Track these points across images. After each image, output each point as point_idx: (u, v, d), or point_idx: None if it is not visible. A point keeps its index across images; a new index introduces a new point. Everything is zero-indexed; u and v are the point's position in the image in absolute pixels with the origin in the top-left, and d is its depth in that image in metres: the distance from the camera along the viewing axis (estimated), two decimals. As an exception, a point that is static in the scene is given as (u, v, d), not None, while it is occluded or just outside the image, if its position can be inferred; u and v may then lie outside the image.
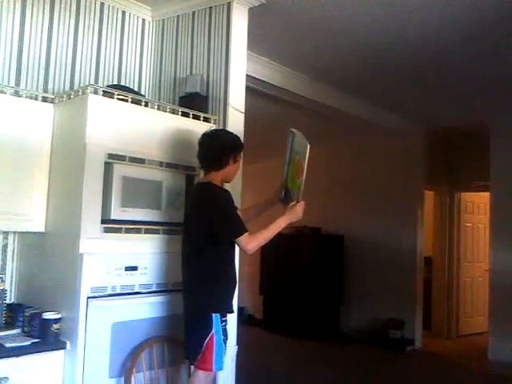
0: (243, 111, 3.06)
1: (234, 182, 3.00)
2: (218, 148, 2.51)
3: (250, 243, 2.38)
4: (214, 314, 2.34)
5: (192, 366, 2.51)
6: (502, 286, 5.61)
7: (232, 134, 2.63)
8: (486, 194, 6.38)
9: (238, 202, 3.00)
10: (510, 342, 5.45)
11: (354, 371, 5.32)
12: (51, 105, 2.74)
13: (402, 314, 6.39)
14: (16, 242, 2.87)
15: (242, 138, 3.04)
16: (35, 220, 2.65)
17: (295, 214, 2.61)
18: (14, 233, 2.85)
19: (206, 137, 2.57)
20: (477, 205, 7.46)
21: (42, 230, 2.68)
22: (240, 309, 3.69)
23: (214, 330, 2.32)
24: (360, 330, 6.66)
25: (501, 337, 5.62)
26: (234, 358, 2.93)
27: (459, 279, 7.26)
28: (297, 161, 2.65)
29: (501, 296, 5.64)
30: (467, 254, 7.35)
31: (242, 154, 2.63)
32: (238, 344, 2.96)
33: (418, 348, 6.35)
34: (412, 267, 6.49)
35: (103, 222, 2.49)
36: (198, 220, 2.42)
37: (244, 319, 7.08)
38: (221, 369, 2.40)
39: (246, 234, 2.37)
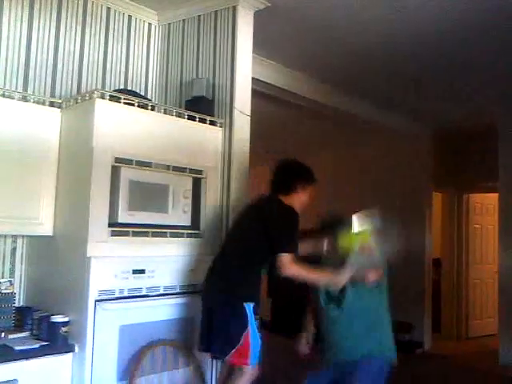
0: (249, 114, 3.07)
1: (241, 184, 3.02)
2: (288, 174, 2.69)
3: (292, 266, 2.44)
4: (249, 306, 2.42)
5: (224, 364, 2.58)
6: (511, 287, 5.56)
7: (305, 165, 2.74)
8: (495, 195, 6.34)
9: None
10: (521, 343, 5.41)
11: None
12: (58, 109, 2.77)
13: (410, 317, 6.34)
14: (25, 245, 2.90)
15: (248, 141, 3.06)
16: (44, 224, 2.67)
17: (340, 279, 2.54)
18: (23, 236, 2.87)
19: (281, 163, 2.74)
20: (485, 206, 7.41)
21: (50, 233, 2.70)
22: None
23: (249, 322, 2.39)
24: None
25: (511, 339, 5.57)
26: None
27: (468, 281, 7.20)
28: (364, 237, 2.64)
29: (510, 298, 5.59)
30: (476, 255, 7.30)
31: (312, 186, 2.73)
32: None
33: (428, 350, 6.31)
34: (420, 269, 6.45)
35: (110, 225, 2.50)
36: (261, 223, 2.51)
37: (252, 322, 7.06)
38: (256, 362, 2.42)
39: (292, 254, 2.43)
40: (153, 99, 3.48)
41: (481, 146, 6.64)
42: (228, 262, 2.55)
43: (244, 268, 2.50)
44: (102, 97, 2.58)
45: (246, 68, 3.10)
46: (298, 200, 2.64)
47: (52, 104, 2.86)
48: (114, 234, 2.51)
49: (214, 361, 2.86)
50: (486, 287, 7.26)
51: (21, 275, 2.87)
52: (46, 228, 2.68)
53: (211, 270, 2.60)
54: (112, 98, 2.61)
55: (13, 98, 2.63)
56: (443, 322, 7.16)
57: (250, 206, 2.72)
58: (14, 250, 2.86)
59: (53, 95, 3.05)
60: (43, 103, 2.82)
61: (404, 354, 6.00)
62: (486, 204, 7.38)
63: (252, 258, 2.51)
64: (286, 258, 2.40)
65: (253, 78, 3.24)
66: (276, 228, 2.47)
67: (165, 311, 2.67)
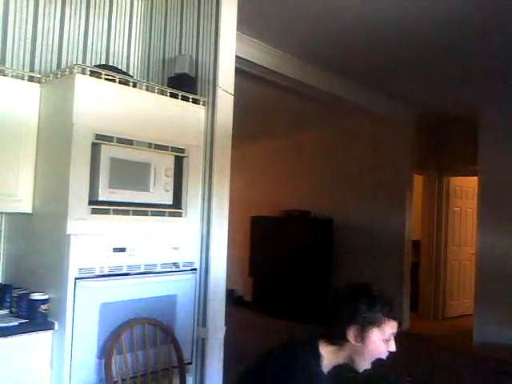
0: (232, 93, 3.04)
1: (224, 164, 3.00)
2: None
3: None
4: None
5: None
6: (488, 269, 5.68)
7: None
8: (475, 179, 6.43)
9: (226, 187, 3.01)
10: (495, 324, 5.54)
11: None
12: (38, 85, 2.71)
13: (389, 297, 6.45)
14: (4, 222, 2.86)
15: (231, 121, 3.04)
16: (22, 201, 2.64)
17: None
18: (2, 213, 2.83)
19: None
20: (465, 189, 7.52)
21: (30, 210, 2.66)
22: (229, 290, 3.72)
23: None
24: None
25: (485, 319, 5.71)
26: (222, 338, 2.96)
27: (446, 262, 7.34)
28: None
29: (487, 279, 5.72)
30: (455, 237, 7.43)
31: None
32: (226, 325, 2.99)
33: (405, 329, 6.44)
34: (400, 250, 6.55)
35: (91, 203, 2.48)
36: None
37: (233, 301, 7.13)
38: None
39: None
40: (135, 76, 3.43)
41: (462, 130, 6.72)
42: None
43: None
44: (83, 72, 2.53)
45: (229, 46, 3.06)
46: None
47: (31, 79, 2.80)
48: (94, 211, 2.48)
49: (194, 340, 2.89)
50: (463, 269, 7.42)
51: (0, 253, 2.84)
52: (24, 205, 2.65)
53: None
54: (93, 74, 2.56)
55: (-10, 72, 2.57)
56: (421, 303, 7.31)
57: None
58: (-8, 227, 2.83)
59: (32, 70, 2.98)
60: (22, 78, 2.76)
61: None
62: (465, 187, 7.50)
63: None
64: None
65: (237, 57, 3.19)
66: None
67: (145, 290, 2.66)
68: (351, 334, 1.65)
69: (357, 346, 1.65)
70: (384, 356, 1.67)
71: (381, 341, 1.64)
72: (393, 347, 1.66)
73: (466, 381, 4.49)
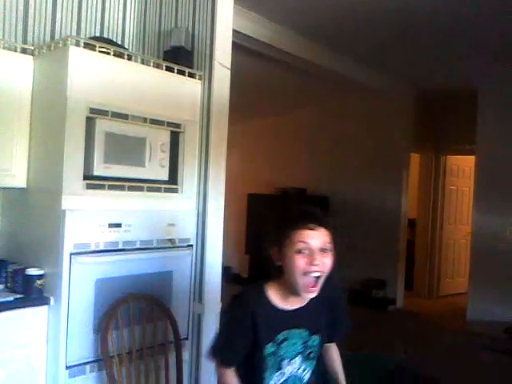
0: (229, 67, 2.99)
1: (221, 140, 2.97)
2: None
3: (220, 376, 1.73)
4: None
5: None
6: (483, 248, 5.71)
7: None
8: (472, 158, 6.42)
9: (223, 163, 2.98)
10: (488, 302, 5.60)
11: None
12: (31, 57, 2.65)
13: (384, 275, 6.51)
14: (-2, 197, 2.83)
15: (228, 95, 2.99)
16: (16, 175, 2.61)
17: None
18: (-5, 188, 2.80)
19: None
20: (462, 168, 7.51)
21: (24, 185, 2.63)
22: (225, 268, 3.72)
23: None
24: (342, 290, 6.76)
25: (479, 297, 5.76)
26: (218, 314, 2.96)
27: (442, 241, 7.38)
28: None
29: (481, 258, 5.75)
30: (451, 216, 7.45)
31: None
32: (221, 301, 2.99)
33: (400, 307, 6.50)
34: (396, 228, 6.57)
35: (86, 178, 2.45)
36: None
37: (229, 278, 7.15)
38: None
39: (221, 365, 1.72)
40: (130, 49, 3.36)
41: (460, 108, 6.68)
42: None
43: None
44: (77, 44, 2.48)
45: (227, 18, 2.99)
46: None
47: (24, 51, 2.73)
48: (89, 186, 2.46)
49: (190, 316, 2.90)
50: (458, 247, 7.45)
51: (-6, 228, 2.82)
52: (19, 180, 2.61)
53: None
54: (87, 46, 2.51)
55: (-19, 43, 2.51)
56: (416, 281, 7.36)
57: None
58: (-14, 202, 2.80)
59: (25, 42, 2.91)
60: (15, 49, 2.70)
61: (377, 311, 6.22)
62: (462, 166, 7.48)
63: None
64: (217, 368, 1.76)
65: (234, 31, 3.13)
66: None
67: (141, 266, 2.65)
68: (275, 258, 1.66)
69: (285, 269, 1.64)
70: (310, 273, 1.58)
71: (294, 253, 1.58)
72: (315, 261, 1.56)
73: (458, 357, 4.55)
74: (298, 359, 1.72)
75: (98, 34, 3.25)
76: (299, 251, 1.59)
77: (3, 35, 2.84)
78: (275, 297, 1.69)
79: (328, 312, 1.80)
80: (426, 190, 7.42)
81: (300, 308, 1.71)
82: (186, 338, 2.87)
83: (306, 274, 1.59)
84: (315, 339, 1.75)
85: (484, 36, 4.46)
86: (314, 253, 1.59)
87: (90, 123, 2.46)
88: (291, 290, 1.65)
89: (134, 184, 2.65)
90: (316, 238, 1.59)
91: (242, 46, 4.15)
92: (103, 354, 2.37)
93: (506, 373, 4.13)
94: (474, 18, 4.09)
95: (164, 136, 2.80)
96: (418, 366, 3.67)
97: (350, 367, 1.96)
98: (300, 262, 1.59)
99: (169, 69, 2.82)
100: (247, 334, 1.65)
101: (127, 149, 2.65)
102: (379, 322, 5.81)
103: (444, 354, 4.54)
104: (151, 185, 2.74)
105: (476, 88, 5.86)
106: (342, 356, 1.95)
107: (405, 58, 5.31)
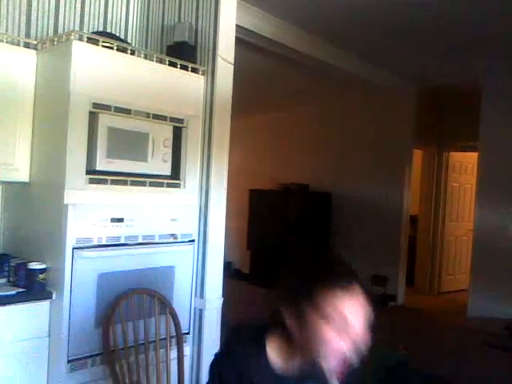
0: (232, 62, 2.98)
1: (223, 135, 2.97)
2: None
3: None
4: None
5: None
6: (485, 245, 5.70)
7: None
8: (474, 155, 6.40)
9: (225, 158, 2.98)
10: (489, 298, 5.59)
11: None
12: (34, 51, 2.65)
13: (385, 271, 6.50)
14: (1, 191, 2.84)
15: (230, 90, 2.99)
16: (19, 170, 2.61)
17: None
18: (-2, 182, 2.81)
19: None
20: (464, 165, 7.49)
21: (27, 179, 2.64)
22: (227, 263, 3.73)
23: None
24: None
25: (480, 294, 5.75)
26: (220, 308, 2.97)
27: (443, 238, 7.36)
28: None
29: (483, 255, 5.74)
30: (452, 213, 7.44)
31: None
32: (223, 296, 3.00)
33: (401, 304, 6.50)
34: (398, 225, 6.56)
35: (88, 172, 2.46)
36: None
37: (231, 273, 7.17)
38: None
39: None
40: (133, 44, 3.36)
41: (463, 105, 6.66)
42: None
43: None
44: (80, 39, 2.47)
45: (230, 13, 2.99)
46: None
47: (27, 45, 2.73)
48: (91, 181, 2.46)
49: (192, 311, 2.91)
50: (460, 244, 7.44)
51: (-3, 222, 2.82)
52: (21, 174, 2.62)
53: None
54: (90, 41, 2.51)
55: (-16, 37, 2.51)
56: (417, 277, 7.36)
57: None
58: (-11, 196, 2.80)
59: (28, 36, 2.91)
60: (18, 44, 2.70)
61: (378, 307, 6.21)
62: (465, 163, 7.47)
63: None
64: None
65: (237, 26, 3.13)
66: None
67: (143, 260, 2.66)
68: (287, 318, 1.18)
69: (301, 336, 1.15)
70: (344, 353, 1.11)
71: (322, 324, 1.10)
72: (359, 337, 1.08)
73: (459, 353, 4.55)
74: None
75: (101, 29, 3.24)
76: (331, 325, 1.18)
77: (6, 29, 2.84)
78: (276, 358, 1.24)
79: None
80: (429, 186, 7.40)
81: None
82: (188, 333, 2.88)
83: None
84: None
85: (488, 32, 4.44)
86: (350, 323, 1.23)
87: (92, 118, 2.47)
88: (310, 362, 1.20)
89: (136, 179, 2.66)
90: None
91: (244, 41, 4.13)
92: (105, 348, 2.38)
93: (507, 369, 4.14)
94: (478, 14, 4.07)
95: (167, 131, 2.80)
96: (418, 363, 3.67)
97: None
98: (333, 338, 1.17)
99: (172, 64, 2.82)
100: None
101: (130, 144, 2.65)
102: (380, 319, 5.82)
103: (445, 351, 4.55)
104: (154, 180, 2.74)
105: (479, 84, 5.83)
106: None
107: (407, 53, 5.28)
